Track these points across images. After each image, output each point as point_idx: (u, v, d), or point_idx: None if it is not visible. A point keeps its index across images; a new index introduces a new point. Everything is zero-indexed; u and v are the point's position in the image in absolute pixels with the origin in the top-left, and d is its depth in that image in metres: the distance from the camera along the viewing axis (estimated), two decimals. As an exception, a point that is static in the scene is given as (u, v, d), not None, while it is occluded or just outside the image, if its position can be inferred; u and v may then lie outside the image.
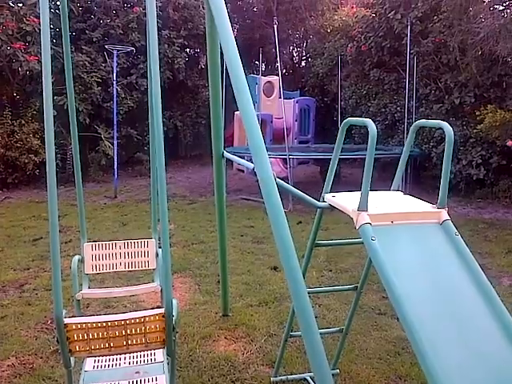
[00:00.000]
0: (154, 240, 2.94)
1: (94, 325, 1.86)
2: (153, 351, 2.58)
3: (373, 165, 1.76)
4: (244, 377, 2.88)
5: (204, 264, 4.86)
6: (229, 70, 1.88)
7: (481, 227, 6.40)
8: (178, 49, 10.81)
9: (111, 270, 2.89)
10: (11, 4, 8.36)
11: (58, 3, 2.49)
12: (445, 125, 1.81)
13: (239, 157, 8.25)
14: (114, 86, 8.69)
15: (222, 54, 2.05)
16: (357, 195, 1.79)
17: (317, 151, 9.32)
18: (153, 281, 2.99)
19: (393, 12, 8.89)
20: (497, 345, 1.47)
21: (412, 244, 1.75)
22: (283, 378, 2.84)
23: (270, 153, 8.21)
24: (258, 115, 9.83)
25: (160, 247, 2.85)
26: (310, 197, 2.09)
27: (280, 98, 10.26)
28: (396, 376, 2.90)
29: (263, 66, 13.90)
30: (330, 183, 2.16)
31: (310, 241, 2.32)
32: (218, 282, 4.00)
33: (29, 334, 3.37)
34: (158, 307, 2.04)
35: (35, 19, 8.15)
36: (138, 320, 1.90)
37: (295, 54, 16.16)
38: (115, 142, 8.66)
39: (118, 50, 8.71)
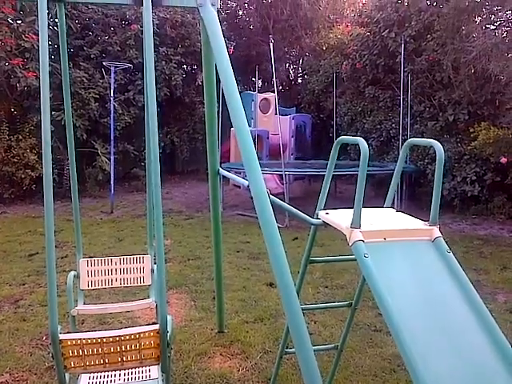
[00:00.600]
0: (149, 256, 2.95)
1: (89, 341, 1.87)
2: (148, 367, 2.57)
3: (368, 181, 1.79)
4: (239, 394, 2.86)
5: (200, 280, 4.86)
6: (224, 90, 1.92)
7: (476, 243, 6.42)
8: (176, 66, 10.92)
9: (107, 286, 2.90)
10: (10, 21, 8.45)
11: (57, 20, 2.54)
12: (436, 144, 1.85)
13: (235, 173, 8.31)
14: (112, 101, 8.76)
15: (217, 72, 2.10)
16: (350, 212, 1.81)
17: (312, 167, 9.37)
18: (148, 297, 2.99)
19: (387, 31, 9.04)
20: (488, 360, 1.49)
21: (404, 261, 1.78)
22: (278, 395, 2.83)
23: (266, 169, 8.20)
24: (254, 131, 9.92)
25: (156, 263, 2.86)
26: (306, 212, 2.11)
27: (276, 114, 10.36)
28: (391, 393, 2.90)
29: (259, 83, 14.04)
30: (324, 200, 2.18)
31: (304, 257, 2.33)
32: (214, 298, 4.00)
33: (23, 350, 3.35)
34: (154, 323, 2.05)
35: (34, 36, 8.23)
36: (132, 336, 1.91)
37: (291, 71, 16.34)
38: (112, 158, 8.69)
39: (116, 67, 8.79)
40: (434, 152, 1.84)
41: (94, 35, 10.53)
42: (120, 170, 10.63)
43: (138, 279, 2.90)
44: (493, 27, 7.25)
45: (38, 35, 2.04)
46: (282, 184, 8.73)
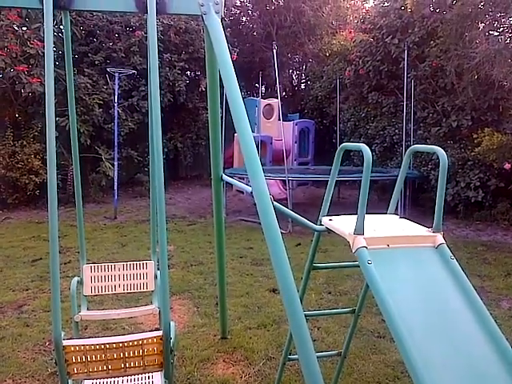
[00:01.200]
0: (152, 262, 2.96)
1: (93, 347, 1.87)
2: (150, 374, 2.56)
3: (371, 187, 1.79)
4: (242, 400, 2.86)
5: (203, 286, 4.86)
6: (227, 96, 1.93)
7: (479, 249, 6.40)
8: (179, 72, 10.97)
9: (110, 292, 2.90)
10: (16, 28, 8.52)
11: (62, 27, 2.56)
12: (439, 150, 1.85)
13: (239, 178, 8.31)
14: (116, 107, 8.79)
15: (221, 78, 2.11)
16: (353, 219, 1.81)
17: (316, 173, 9.37)
18: (151, 303, 2.99)
19: (390, 37, 9.06)
20: (492, 367, 1.48)
21: (408, 267, 1.77)
22: (281, 401, 2.82)
23: (269, 174, 8.18)
24: (257, 137, 9.93)
25: (159, 269, 2.87)
26: (310, 218, 2.11)
27: (279, 120, 10.38)
28: (395, 400, 2.88)
29: (263, 89, 14.09)
30: (327, 206, 2.19)
31: (307, 264, 2.33)
32: (217, 304, 3.99)
33: (26, 356, 3.36)
34: (157, 329, 2.05)
35: (39, 42, 8.29)
36: (136, 342, 1.91)
37: (295, 77, 16.38)
38: (116, 163, 8.72)
39: (120, 73, 8.83)
40: (438, 158, 1.84)
41: (98, 42, 10.59)
42: (123, 176, 10.66)
43: (141, 285, 2.91)
44: (496, 33, 7.25)
45: (43, 42, 2.07)
46: (285, 189, 8.73)
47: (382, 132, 10.04)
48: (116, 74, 8.67)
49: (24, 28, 8.62)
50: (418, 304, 1.65)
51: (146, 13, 2.08)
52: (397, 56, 9.01)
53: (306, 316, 1.68)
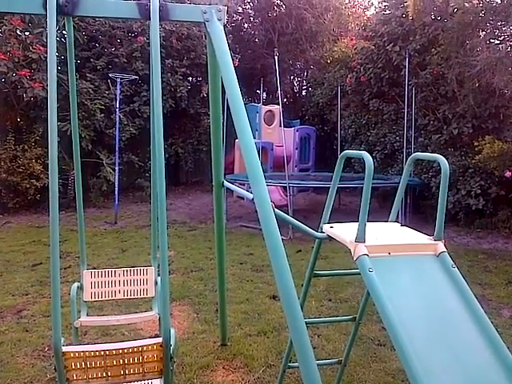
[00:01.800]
0: (153, 268, 2.95)
1: (92, 353, 1.86)
2: (150, 381, 2.55)
3: (372, 194, 1.79)
4: (241, 408, 2.84)
5: (203, 292, 4.84)
6: (229, 102, 1.94)
7: (480, 257, 6.38)
8: (181, 77, 11.00)
9: (110, 298, 2.89)
10: (19, 33, 8.56)
11: (64, 32, 2.57)
12: (440, 158, 1.85)
13: (240, 184, 8.30)
14: (117, 113, 8.81)
15: (223, 84, 2.12)
16: (354, 226, 1.81)
17: (316, 179, 9.38)
18: (151, 309, 2.98)
19: (391, 44, 9.09)
20: (492, 376, 1.47)
21: (409, 275, 1.77)
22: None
23: (270, 181, 8.17)
24: (259, 143, 9.95)
25: (159, 275, 2.86)
26: (310, 224, 2.11)
27: (280, 126, 10.39)
28: (395, 409, 2.86)
29: (264, 95, 14.11)
30: (329, 214, 2.19)
31: (308, 271, 2.33)
32: (217, 310, 3.98)
33: (25, 362, 3.34)
34: (156, 336, 2.04)
35: (41, 47, 8.33)
36: (135, 349, 1.90)
37: (296, 84, 16.43)
38: (117, 168, 8.73)
39: (122, 78, 8.86)
40: (439, 165, 1.84)
41: (100, 47, 10.63)
42: (124, 181, 10.66)
43: (142, 291, 2.90)
44: (497, 42, 7.27)
45: (45, 47, 2.08)
46: (286, 196, 8.73)
47: (382, 139, 10.05)
48: (118, 80, 8.70)
49: (27, 33, 8.67)
50: (418, 312, 1.64)
51: (149, 19, 2.09)
52: (398, 63, 9.04)
53: (306, 323, 1.68)
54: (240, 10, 15.16)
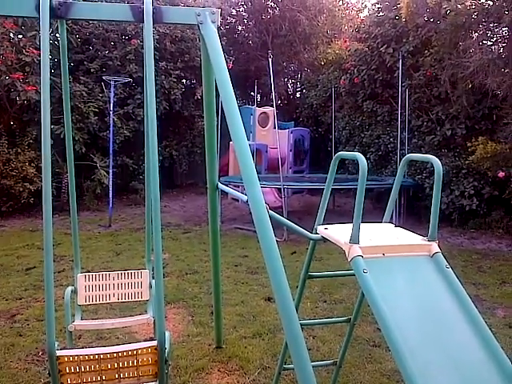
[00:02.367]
0: (147, 271, 2.94)
1: (87, 357, 1.85)
2: (145, 384, 2.55)
3: (366, 195, 1.79)
4: (237, 411, 2.83)
5: (198, 294, 4.83)
6: (223, 104, 1.93)
7: (474, 258, 6.41)
8: (175, 80, 11.00)
9: (104, 302, 2.88)
10: (11, 36, 8.52)
11: (57, 35, 2.56)
12: (434, 159, 1.86)
13: (234, 186, 8.28)
14: (111, 115, 8.79)
15: (217, 87, 2.12)
16: (348, 227, 1.81)
17: (311, 181, 9.39)
18: (146, 312, 2.97)
19: (385, 46, 9.14)
20: (487, 375, 1.48)
21: (403, 276, 1.77)
22: (277, 411, 2.80)
23: (264, 182, 8.18)
24: (253, 145, 9.95)
25: (154, 278, 2.85)
26: (305, 226, 2.11)
27: (275, 128, 10.40)
28: (391, 410, 2.87)
29: (258, 97, 14.12)
30: (323, 215, 2.19)
31: (302, 273, 2.33)
32: (212, 313, 3.97)
33: (19, 366, 3.32)
34: (151, 339, 2.03)
35: (34, 50, 8.30)
36: (130, 353, 1.89)
37: (290, 86, 16.45)
38: (111, 171, 8.70)
39: (116, 81, 8.84)
40: (432, 166, 1.85)
41: (94, 50, 10.61)
42: (118, 184, 10.62)
43: (136, 294, 2.89)
44: (489, 43, 7.33)
45: (38, 50, 2.08)
46: (281, 197, 8.73)
47: (376, 140, 10.09)
48: (112, 82, 8.68)
49: (20, 36, 8.63)
50: (413, 313, 1.65)
51: (143, 22, 2.08)
52: (391, 65, 9.08)
53: (301, 325, 1.68)
54: (234, 12, 15.18)
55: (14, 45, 8.40)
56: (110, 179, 8.71)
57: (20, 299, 4.66)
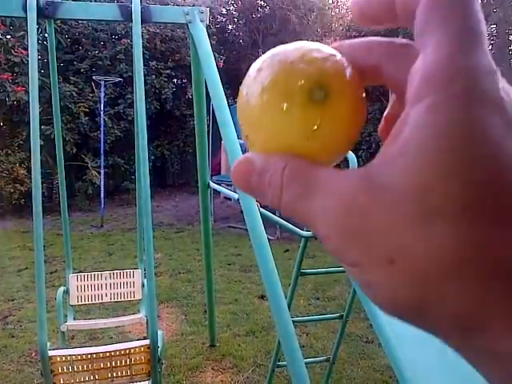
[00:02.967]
0: (139, 270, 2.94)
1: (79, 357, 1.85)
2: (138, 383, 2.54)
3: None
4: (231, 408, 2.84)
5: (191, 293, 4.83)
6: (214, 105, 1.94)
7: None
8: (166, 79, 10.96)
9: (97, 301, 2.87)
10: (0, 36, 8.46)
11: (46, 35, 2.56)
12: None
13: (226, 185, 8.30)
14: (102, 115, 8.75)
15: (207, 86, 2.12)
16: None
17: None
18: (139, 311, 2.97)
19: (375, 44, 9.17)
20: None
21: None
22: (270, 408, 2.81)
23: (256, 181, 8.30)
24: (244, 143, 9.94)
25: (146, 277, 2.85)
26: (297, 224, 2.12)
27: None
28: (383, 405, 2.89)
29: (249, 96, 14.08)
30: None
31: (294, 270, 2.34)
32: (205, 311, 3.98)
33: (12, 368, 3.30)
34: (144, 338, 2.03)
35: (23, 51, 8.24)
36: (123, 352, 1.89)
37: (281, 84, 16.46)
38: (102, 171, 8.66)
39: (106, 81, 8.80)
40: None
41: (83, 50, 10.54)
42: (110, 184, 10.59)
43: (129, 294, 2.89)
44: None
45: (27, 50, 2.07)
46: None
47: (368, 138, 10.13)
48: (102, 82, 8.64)
49: (8, 36, 8.57)
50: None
51: (132, 21, 2.08)
52: (382, 63, 9.12)
53: (294, 322, 1.69)
54: (224, 11, 15.15)
55: (2, 45, 8.34)
56: (102, 179, 8.67)
57: (12, 300, 4.64)
